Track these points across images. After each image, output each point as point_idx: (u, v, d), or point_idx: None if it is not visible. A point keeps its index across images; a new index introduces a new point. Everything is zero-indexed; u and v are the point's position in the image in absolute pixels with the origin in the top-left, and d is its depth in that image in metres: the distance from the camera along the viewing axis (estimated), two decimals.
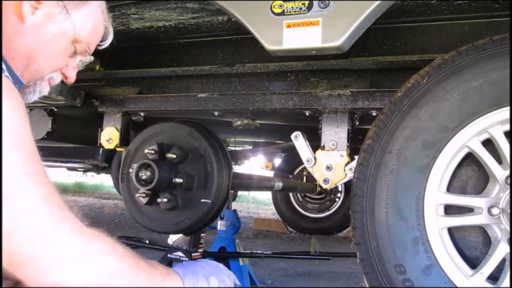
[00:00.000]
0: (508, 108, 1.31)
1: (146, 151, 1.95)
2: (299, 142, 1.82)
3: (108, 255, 0.93)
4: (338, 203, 5.48)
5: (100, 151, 4.03)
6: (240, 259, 2.75)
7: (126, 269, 0.95)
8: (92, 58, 1.19)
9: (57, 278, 0.86)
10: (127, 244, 1.01)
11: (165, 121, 2.11)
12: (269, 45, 1.45)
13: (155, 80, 2.27)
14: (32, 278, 0.85)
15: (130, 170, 1.99)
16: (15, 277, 0.87)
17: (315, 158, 1.77)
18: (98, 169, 4.56)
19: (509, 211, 1.33)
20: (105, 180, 11.93)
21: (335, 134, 1.77)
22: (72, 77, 1.17)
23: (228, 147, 2.72)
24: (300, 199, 5.67)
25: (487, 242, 1.39)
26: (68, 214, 0.90)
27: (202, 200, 1.93)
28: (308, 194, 5.49)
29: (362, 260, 1.45)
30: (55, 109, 2.34)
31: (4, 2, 0.98)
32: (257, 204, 10.74)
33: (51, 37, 1.04)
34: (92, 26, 1.12)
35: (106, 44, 1.21)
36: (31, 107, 2.35)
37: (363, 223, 1.44)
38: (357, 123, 1.90)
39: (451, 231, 1.42)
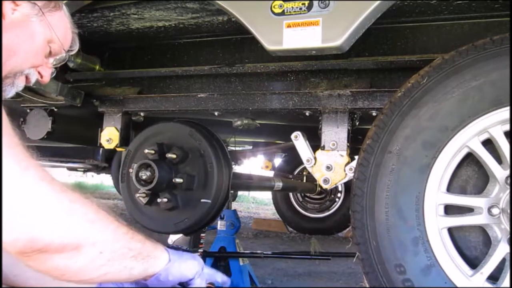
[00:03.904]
0: (508, 108, 1.31)
1: (146, 151, 1.95)
2: (299, 142, 1.82)
3: (84, 205, 0.90)
4: (338, 203, 5.48)
5: (100, 151, 4.03)
6: (240, 259, 2.75)
7: (105, 220, 0.93)
8: (66, 56, 1.32)
9: (34, 233, 0.81)
10: None
11: (165, 121, 2.11)
12: (269, 45, 1.45)
13: (155, 80, 2.27)
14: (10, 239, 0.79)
15: (130, 170, 1.98)
16: (13, 282, 0.87)
17: (315, 158, 1.77)
18: (98, 169, 4.57)
19: (509, 211, 1.33)
20: (105, 180, 11.92)
21: (335, 134, 1.77)
22: (46, 76, 1.28)
23: (228, 147, 2.72)
24: (300, 199, 5.67)
25: (487, 242, 1.39)
26: (36, 162, 0.86)
27: (202, 200, 1.92)
28: (308, 194, 5.49)
29: (362, 260, 1.44)
30: (55, 109, 2.34)
31: None
32: (257, 204, 10.75)
33: (30, 33, 1.16)
34: (64, 29, 1.26)
35: (74, 52, 1.35)
36: (31, 107, 2.35)
37: (363, 223, 1.44)
38: (357, 123, 1.90)
39: (451, 231, 1.42)
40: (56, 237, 0.83)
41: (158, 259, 1.05)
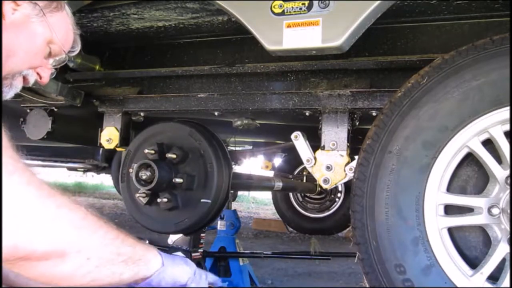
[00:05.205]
0: (508, 108, 1.31)
1: (146, 151, 1.94)
2: (299, 142, 1.82)
3: (71, 210, 0.87)
4: (338, 203, 5.48)
5: (100, 151, 4.04)
6: (240, 259, 2.75)
7: (93, 226, 0.90)
8: (66, 57, 1.30)
9: (16, 241, 0.77)
10: None
11: (165, 121, 2.11)
12: (269, 45, 1.45)
13: (155, 80, 2.27)
14: None
15: (130, 170, 1.98)
16: (14, 282, 0.86)
17: (315, 158, 1.77)
18: (98, 169, 4.58)
19: (509, 211, 1.33)
20: (105, 180, 11.93)
21: (335, 134, 1.77)
22: (46, 77, 1.26)
23: (228, 147, 2.72)
24: (300, 199, 5.67)
25: (487, 242, 1.39)
26: (23, 166, 0.82)
27: (202, 200, 1.92)
28: (308, 194, 5.49)
29: (362, 260, 1.44)
30: (55, 109, 2.34)
31: None
32: (257, 204, 10.75)
33: (30, 34, 1.14)
34: (64, 30, 1.24)
35: (75, 52, 1.33)
36: (31, 107, 2.35)
37: (363, 223, 1.44)
38: (357, 123, 1.90)
39: (451, 231, 1.42)
40: (40, 245, 0.80)
41: (149, 262, 1.03)
